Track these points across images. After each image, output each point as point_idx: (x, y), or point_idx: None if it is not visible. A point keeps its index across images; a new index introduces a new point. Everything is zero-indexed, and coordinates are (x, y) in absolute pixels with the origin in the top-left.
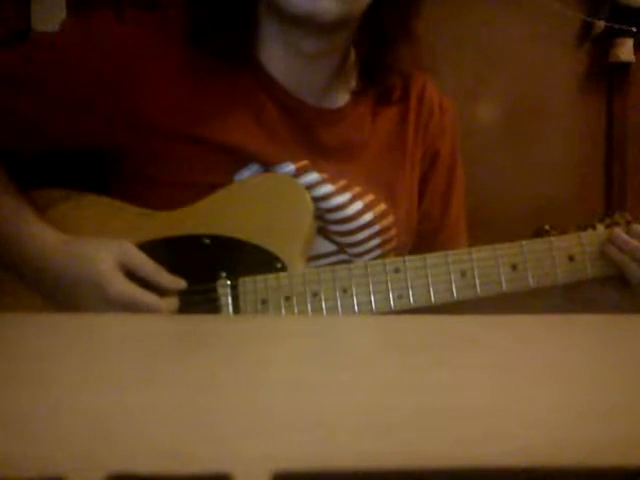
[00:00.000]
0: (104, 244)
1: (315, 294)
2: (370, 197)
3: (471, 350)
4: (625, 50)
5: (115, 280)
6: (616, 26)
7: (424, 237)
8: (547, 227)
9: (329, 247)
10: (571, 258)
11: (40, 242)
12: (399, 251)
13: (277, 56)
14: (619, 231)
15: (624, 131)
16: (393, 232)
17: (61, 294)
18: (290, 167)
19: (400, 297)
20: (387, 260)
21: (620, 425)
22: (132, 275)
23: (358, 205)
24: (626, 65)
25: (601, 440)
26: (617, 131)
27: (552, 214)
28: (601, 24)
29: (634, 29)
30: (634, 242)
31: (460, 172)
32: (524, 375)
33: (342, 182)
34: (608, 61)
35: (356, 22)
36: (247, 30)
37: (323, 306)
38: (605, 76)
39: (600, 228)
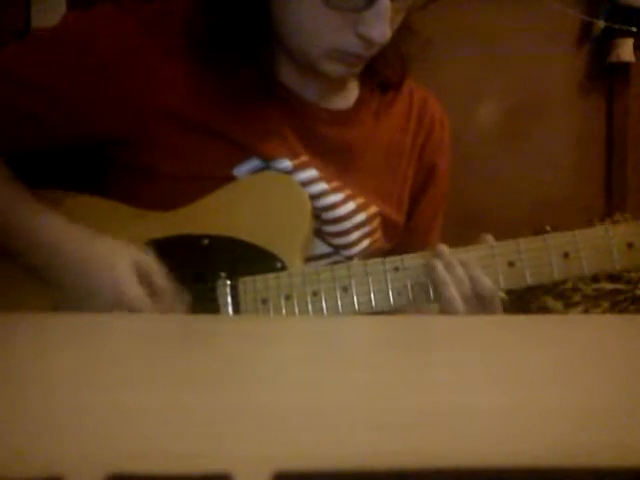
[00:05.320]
0: (120, 246)
1: (315, 293)
2: (361, 200)
3: (473, 350)
4: (625, 50)
5: (131, 286)
6: (616, 26)
7: (403, 248)
8: (547, 228)
9: (325, 249)
10: (566, 255)
11: (51, 233)
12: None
13: (284, 64)
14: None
15: (624, 131)
16: (378, 234)
17: (70, 286)
18: (287, 163)
19: (399, 295)
20: (387, 259)
21: (621, 426)
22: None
23: (351, 205)
24: (626, 65)
25: (602, 441)
26: (617, 131)
27: (552, 214)
28: (601, 24)
29: (634, 29)
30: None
31: (446, 193)
32: (526, 375)
33: (336, 183)
34: (608, 61)
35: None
36: (256, 36)
37: (323, 305)
38: (605, 76)
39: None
